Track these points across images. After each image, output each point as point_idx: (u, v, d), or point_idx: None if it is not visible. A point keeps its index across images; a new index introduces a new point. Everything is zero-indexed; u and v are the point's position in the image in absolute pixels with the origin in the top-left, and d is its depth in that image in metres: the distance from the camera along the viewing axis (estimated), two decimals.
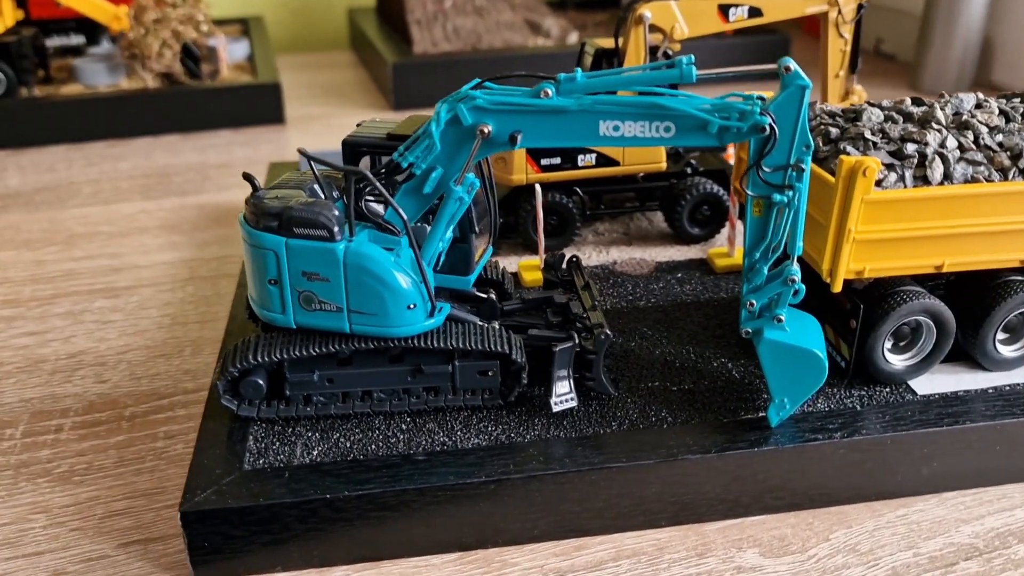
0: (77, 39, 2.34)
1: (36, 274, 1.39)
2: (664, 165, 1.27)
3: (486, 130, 0.81)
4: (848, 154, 0.88)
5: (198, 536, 0.79)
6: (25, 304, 1.30)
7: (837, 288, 0.89)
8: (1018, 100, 1.00)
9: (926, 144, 0.88)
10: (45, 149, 1.95)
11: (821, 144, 0.92)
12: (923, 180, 0.87)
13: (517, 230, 1.29)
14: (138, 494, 0.92)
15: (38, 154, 1.93)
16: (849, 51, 1.34)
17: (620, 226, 1.37)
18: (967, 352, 0.98)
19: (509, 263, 1.26)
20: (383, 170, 0.85)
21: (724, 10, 1.26)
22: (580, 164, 1.23)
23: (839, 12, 1.29)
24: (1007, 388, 0.95)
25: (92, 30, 2.34)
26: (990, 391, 0.95)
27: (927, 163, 0.86)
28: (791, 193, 0.79)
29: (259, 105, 2.06)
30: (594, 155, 1.23)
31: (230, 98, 2.04)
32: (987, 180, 0.87)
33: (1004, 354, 0.97)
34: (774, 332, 0.85)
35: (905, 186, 0.86)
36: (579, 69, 0.80)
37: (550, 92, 0.79)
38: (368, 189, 0.86)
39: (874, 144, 0.89)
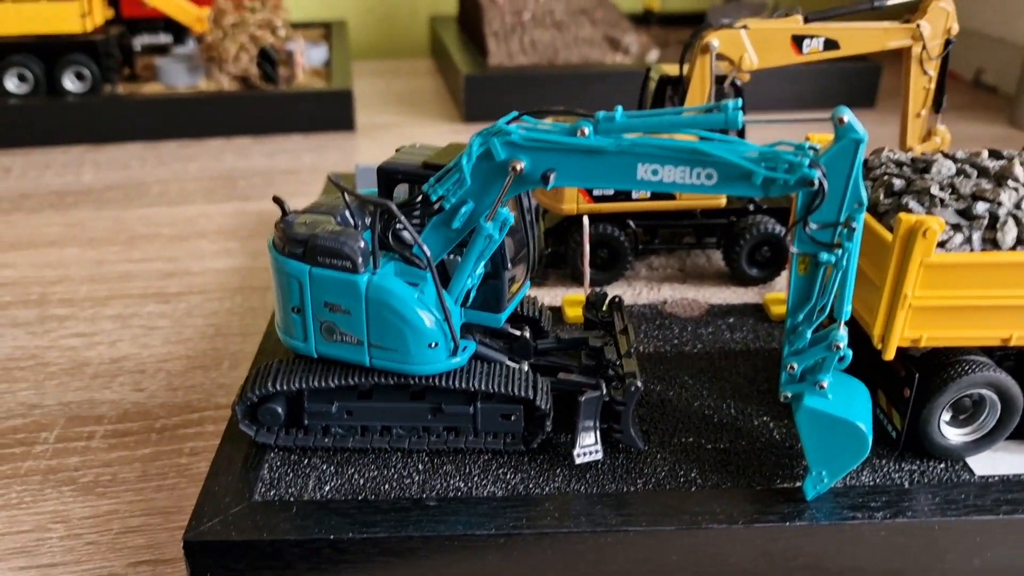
0: (165, 38, 2.41)
1: (95, 274, 1.41)
2: (723, 202, 1.21)
3: (519, 167, 0.77)
4: (910, 210, 0.81)
5: (200, 566, 0.78)
6: (79, 304, 1.32)
7: (890, 356, 0.82)
8: None
9: (999, 204, 0.80)
10: (122, 146, 2.00)
11: (882, 197, 0.85)
12: (992, 243, 0.79)
13: (566, 260, 1.25)
14: (155, 512, 0.92)
15: (115, 151, 1.98)
16: (934, 89, 1.25)
17: (676, 262, 1.32)
18: None
19: (555, 295, 1.22)
20: (415, 202, 0.82)
21: (798, 41, 1.19)
22: (634, 196, 1.19)
23: (923, 48, 1.21)
24: None
25: (179, 30, 2.40)
26: None
27: (998, 225, 0.79)
28: (840, 252, 0.73)
29: (330, 111, 2.07)
30: None
31: (302, 103, 2.06)
32: None
33: None
34: (814, 399, 0.78)
35: (972, 250, 0.79)
36: (619, 107, 0.75)
37: (587, 131, 0.75)
38: (396, 221, 0.84)
39: (941, 201, 0.82)
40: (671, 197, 1.19)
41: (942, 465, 0.88)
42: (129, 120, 2.02)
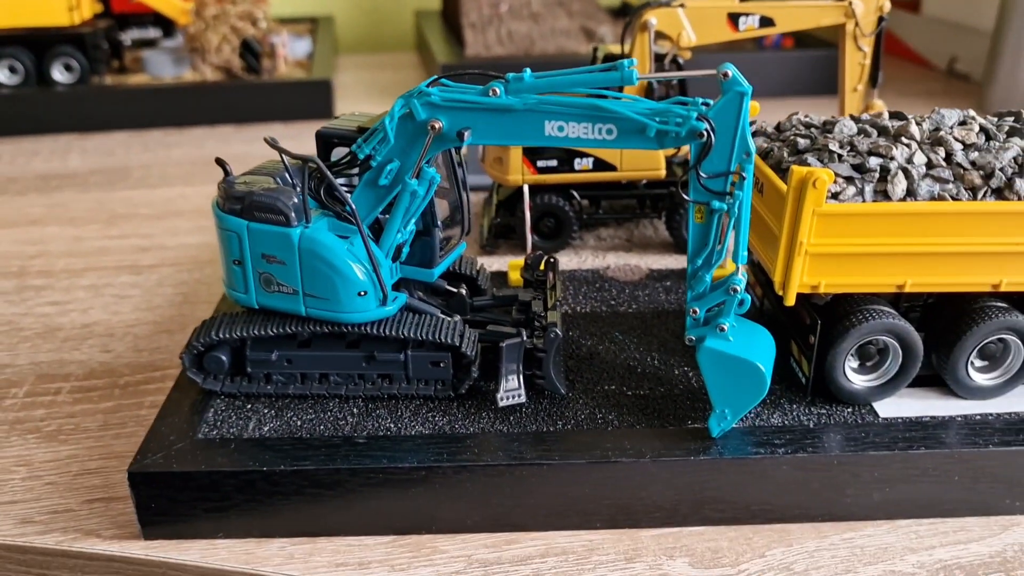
0: (155, 32, 2.48)
1: (72, 249, 1.48)
2: (663, 173, 1.26)
3: (437, 125, 0.83)
4: (808, 165, 0.86)
5: (145, 497, 0.84)
6: (56, 276, 1.39)
7: (790, 301, 0.87)
8: (1011, 119, 0.96)
9: (891, 159, 0.85)
10: (110, 134, 2.07)
11: (787, 155, 0.90)
12: (884, 195, 0.85)
13: (516, 231, 1.30)
14: (112, 456, 0.98)
15: (102, 139, 2.05)
16: (869, 65, 1.30)
17: (624, 232, 1.37)
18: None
19: (504, 262, 1.28)
20: (343, 161, 0.88)
21: (734, 19, 1.25)
22: (577, 168, 1.24)
23: (856, 24, 1.26)
24: (977, 417, 0.91)
25: (168, 25, 2.47)
26: (958, 419, 0.91)
27: (889, 177, 0.84)
28: (731, 200, 0.78)
29: (310, 101, 2.13)
30: (591, 159, 1.24)
31: (283, 93, 2.12)
32: (954, 198, 0.85)
33: (978, 382, 0.93)
34: (715, 341, 0.84)
35: (864, 200, 0.84)
36: (528, 69, 0.81)
37: (499, 91, 0.81)
38: (336, 178, 0.89)
39: (839, 156, 0.87)
40: (612, 168, 1.25)
41: (849, 409, 0.93)
42: (116, 110, 2.09)
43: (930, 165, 0.86)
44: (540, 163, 1.23)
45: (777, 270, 0.86)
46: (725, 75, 0.75)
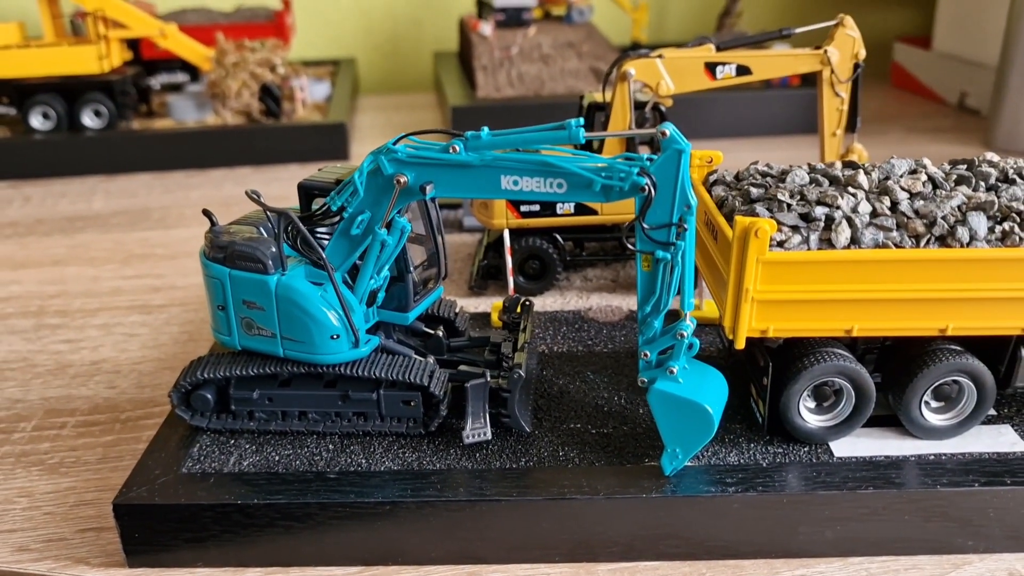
0: (182, 77, 2.59)
1: (90, 289, 1.56)
2: None
3: (403, 180, 0.89)
4: (756, 214, 0.90)
5: (128, 528, 0.90)
6: (72, 315, 1.47)
7: (740, 345, 0.91)
8: (963, 167, 0.99)
9: (837, 207, 0.89)
10: (134, 176, 2.17)
11: (739, 204, 0.94)
12: (828, 243, 0.88)
13: (503, 272, 1.35)
14: (107, 488, 1.04)
15: (127, 181, 2.15)
16: (847, 110, 1.34)
17: (610, 273, 1.42)
18: None
19: (491, 303, 1.32)
20: (317, 212, 0.94)
21: (711, 68, 1.29)
22: (559, 212, 1.29)
23: (832, 71, 1.30)
24: (931, 457, 0.94)
25: (195, 69, 2.58)
26: (911, 459, 0.93)
27: (833, 226, 0.88)
28: (674, 250, 0.83)
29: (327, 143, 2.22)
30: (573, 204, 1.29)
31: (300, 136, 2.21)
32: (898, 246, 0.88)
33: (932, 422, 0.96)
34: (664, 383, 0.88)
35: (809, 248, 0.88)
36: (486, 128, 0.87)
37: (458, 148, 0.87)
38: (313, 228, 0.96)
39: (787, 206, 0.91)
40: (593, 212, 1.29)
41: (806, 448, 0.96)
42: (140, 153, 2.19)
43: (874, 214, 0.89)
44: (523, 208, 1.28)
45: (727, 315, 0.90)
46: (663, 134, 0.79)
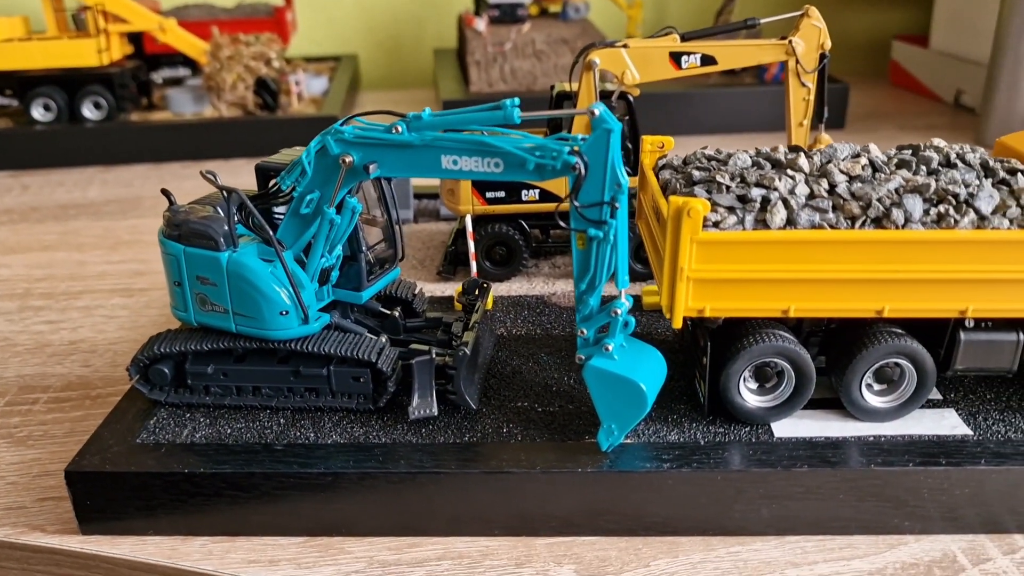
0: (184, 71, 2.64)
1: (75, 273, 1.60)
2: None
3: (348, 160, 0.91)
4: (693, 196, 0.91)
5: (81, 495, 0.93)
6: (56, 297, 1.51)
7: (676, 324, 0.92)
8: (908, 152, 0.99)
9: (774, 189, 0.90)
10: (131, 167, 2.22)
11: (681, 187, 0.96)
12: (764, 224, 0.89)
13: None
14: (71, 460, 1.07)
15: (124, 171, 2.19)
16: (813, 100, 1.34)
17: None
18: None
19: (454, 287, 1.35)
20: (269, 192, 0.97)
21: (676, 58, 1.31)
22: (524, 198, 1.31)
23: (797, 62, 1.31)
24: (870, 439, 0.95)
25: (197, 64, 2.63)
26: (851, 439, 0.94)
27: (769, 207, 0.89)
28: (606, 229, 0.84)
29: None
30: (537, 191, 1.30)
31: (293, 129, 2.24)
32: (833, 227, 0.89)
33: (873, 404, 0.97)
34: (600, 360, 0.89)
35: (744, 229, 0.89)
36: (428, 108, 0.89)
37: (401, 129, 0.89)
38: (272, 208, 0.98)
39: (727, 188, 0.92)
40: (558, 199, 1.31)
41: (747, 429, 0.97)
42: (138, 144, 2.23)
43: (811, 196, 0.91)
44: (489, 194, 1.30)
45: (663, 295, 0.92)
46: (593, 114, 0.81)
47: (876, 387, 0.97)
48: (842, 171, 0.93)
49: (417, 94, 3.01)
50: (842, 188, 0.91)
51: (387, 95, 2.99)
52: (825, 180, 0.92)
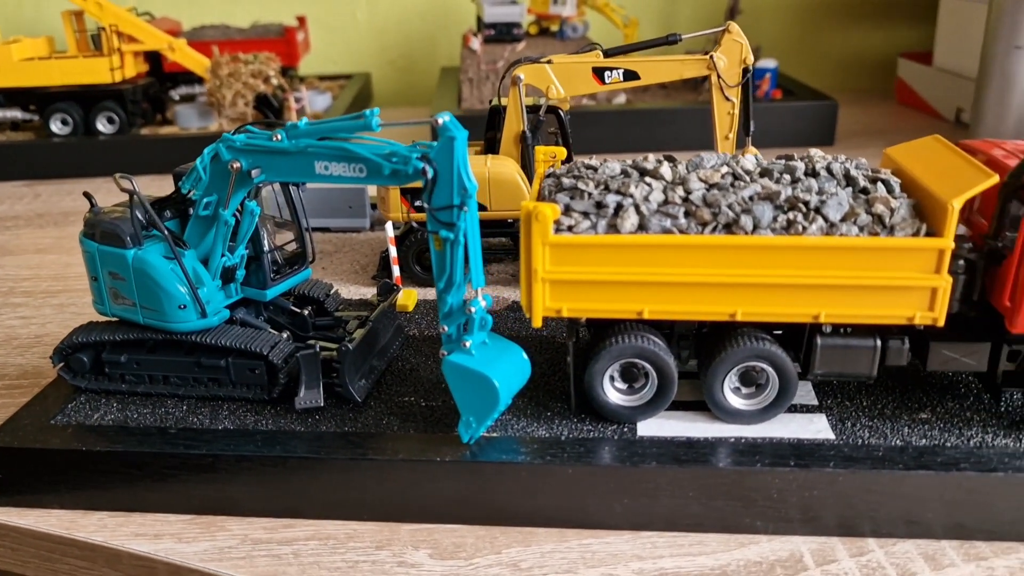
0: (200, 88, 2.78)
1: (59, 274, 1.72)
2: None
3: (236, 165, 0.99)
4: (555, 202, 0.96)
5: None
6: (35, 295, 1.62)
7: (536, 324, 0.97)
8: (782, 161, 1.02)
9: (629, 196, 0.95)
10: (139, 178, 2.33)
11: (550, 194, 1.00)
12: (616, 229, 0.93)
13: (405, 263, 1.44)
14: None
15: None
16: (739, 114, 1.37)
17: (513, 268, 1.48)
18: None
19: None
20: (171, 196, 1.05)
21: (599, 73, 1.35)
22: None
23: (719, 76, 1.34)
24: (730, 440, 0.97)
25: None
26: (711, 440, 0.97)
27: (621, 213, 0.93)
28: (456, 230, 0.90)
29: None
30: None
31: None
32: (683, 233, 0.93)
33: (736, 406, 0.99)
34: (457, 356, 0.94)
35: (596, 233, 0.93)
36: (305, 118, 0.96)
37: (280, 136, 0.96)
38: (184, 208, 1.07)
39: (588, 195, 0.96)
40: (483, 208, 1.36)
41: (613, 427, 1.00)
42: (147, 156, 2.36)
43: (665, 202, 0.94)
44: (417, 202, 1.37)
45: (522, 295, 0.96)
46: (437, 122, 0.87)
47: (744, 390, 1.00)
48: (701, 179, 0.96)
49: (425, 111, 3.09)
50: (696, 195, 0.95)
51: (397, 112, 3.09)
52: (681, 187, 0.96)
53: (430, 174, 0.88)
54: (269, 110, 2.41)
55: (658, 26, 3.12)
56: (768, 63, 2.51)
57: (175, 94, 2.73)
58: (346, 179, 0.95)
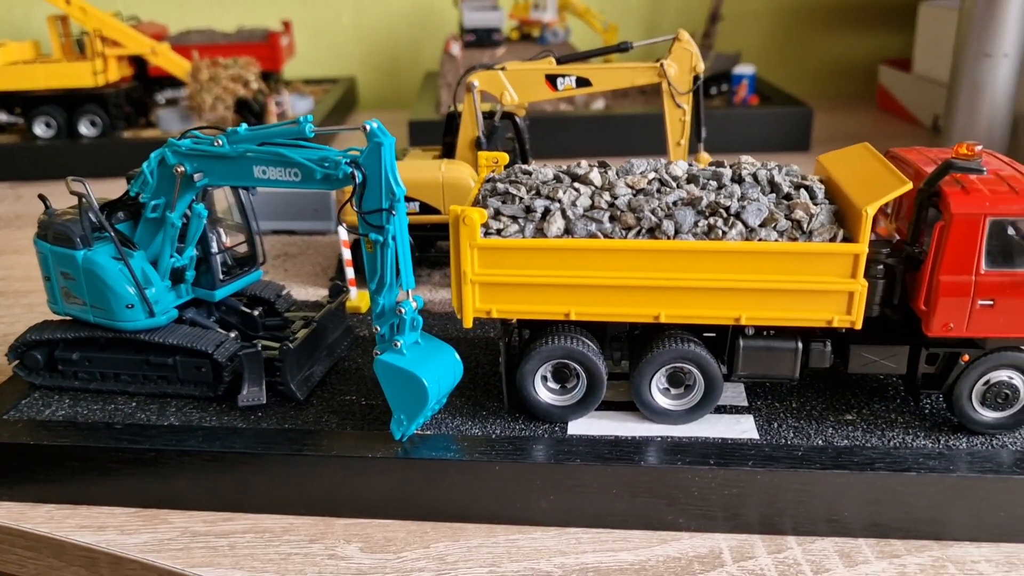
0: (185, 92, 2.81)
1: (32, 275, 1.75)
2: None
3: (180, 169, 1.02)
4: (487, 207, 0.99)
5: None
6: (8, 295, 1.66)
7: (467, 324, 1.00)
8: (713, 167, 1.05)
9: (557, 201, 0.97)
10: (120, 180, 2.38)
11: (483, 198, 1.03)
12: (543, 233, 0.96)
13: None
14: None
15: (114, 184, 2.35)
16: (690, 121, 1.40)
17: None
18: None
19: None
20: (122, 198, 1.08)
21: (552, 80, 1.38)
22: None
23: (669, 84, 1.37)
24: (657, 439, 1.00)
25: None
26: (638, 439, 1.00)
27: (548, 217, 0.96)
28: (385, 233, 0.93)
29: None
30: (417, 203, 1.39)
31: None
32: (608, 237, 0.95)
33: (663, 406, 1.02)
34: (388, 355, 0.97)
35: (524, 237, 0.96)
36: (244, 124, 0.99)
37: (221, 142, 0.99)
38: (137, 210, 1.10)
39: (519, 199, 0.99)
40: (437, 211, 1.39)
41: (545, 426, 1.03)
42: (129, 158, 2.38)
43: (591, 207, 0.97)
44: None
45: (453, 296, 0.99)
46: (365, 128, 0.90)
47: (673, 391, 1.03)
48: (628, 185, 0.99)
49: (408, 115, 3.13)
50: (622, 201, 0.97)
51: (381, 114, 3.12)
52: (608, 193, 0.98)
53: (359, 178, 0.91)
54: (250, 114, 2.44)
55: (641, 32, 3.15)
56: (746, 69, 2.53)
57: (160, 98, 2.77)
58: (283, 183, 0.98)
